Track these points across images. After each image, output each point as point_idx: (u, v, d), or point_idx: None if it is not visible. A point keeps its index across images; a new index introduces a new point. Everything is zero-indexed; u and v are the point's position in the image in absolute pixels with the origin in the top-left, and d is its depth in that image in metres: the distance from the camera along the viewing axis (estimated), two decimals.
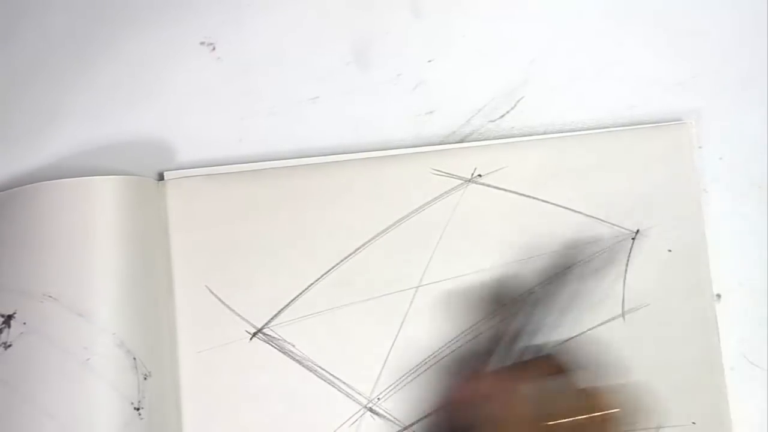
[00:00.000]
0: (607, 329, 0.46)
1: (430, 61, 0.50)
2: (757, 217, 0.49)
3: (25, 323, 0.41)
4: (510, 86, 0.49)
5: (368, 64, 0.49)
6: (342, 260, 0.46)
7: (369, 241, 0.47)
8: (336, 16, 0.50)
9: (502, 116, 0.49)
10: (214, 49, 0.49)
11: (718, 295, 0.47)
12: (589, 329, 0.46)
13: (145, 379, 0.42)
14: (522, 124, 0.49)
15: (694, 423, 0.46)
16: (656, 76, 0.50)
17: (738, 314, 0.47)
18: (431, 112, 0.49)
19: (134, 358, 0.41)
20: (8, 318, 0.41)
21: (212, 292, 0.46)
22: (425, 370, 0.45)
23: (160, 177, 0.47)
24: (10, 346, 0.41)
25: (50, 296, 0.41)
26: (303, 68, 0.49)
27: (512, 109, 0.49)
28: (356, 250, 0.46)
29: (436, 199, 0.47)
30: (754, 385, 0.47)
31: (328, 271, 0.46)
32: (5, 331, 0.41)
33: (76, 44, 0.49)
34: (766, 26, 0.50)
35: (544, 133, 0.49)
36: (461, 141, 0.49)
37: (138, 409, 0.41)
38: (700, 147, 0.49)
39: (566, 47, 0.50)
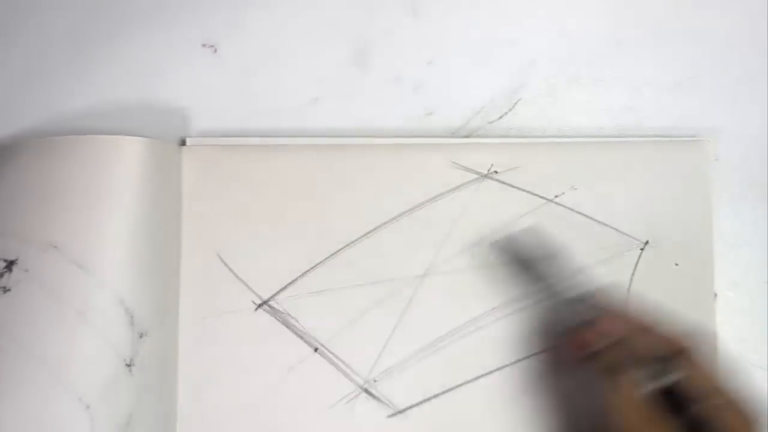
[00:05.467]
0: None
1: (429, 62, 0.49)
2: (755, 218, 0.48)
3: (26, 270, 0.41)
4: (509, 88, 0.49)
5: (368, 66, 0.49)
6: (352, 241, 0.46)
7: (381, 225, 0.46)
8: (336, 18, 0.49)
9: (501, 117, 0.49)
10: (215, 51, 0.49)
11: (715, 295, 0.46)
12: None
13: (141, 337, 0.41)
14: (520, 126, 0.49)
15: None
16: (656, 79, 0.49)
17: (736, 314, 0.47)
18: (430, 114, 0.49)
19: (131, 316, 0.41)
20: (10, 263, 0.41)
21: (222, 260, 0.45)
22: (424, 358, 0.45)
23: (182, 142, 0.47)
24: (8, 290, 0.40)
25: (55, 246, 0.41)
26: (303, 70, 0.49)
27: (510, 110, 0.49)
28: (367, 233, 0.46)
29: (451, 191, 0.46)
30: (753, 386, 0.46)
31: (338, 251, 0.46)
32: (6, 275, 0.40)
33: (75, 45, 0.49)
34: None
35: (542, 135, 0.48)
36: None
37: (129, 366, 0.41)
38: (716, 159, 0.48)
39: (565, 49, 0.49)
